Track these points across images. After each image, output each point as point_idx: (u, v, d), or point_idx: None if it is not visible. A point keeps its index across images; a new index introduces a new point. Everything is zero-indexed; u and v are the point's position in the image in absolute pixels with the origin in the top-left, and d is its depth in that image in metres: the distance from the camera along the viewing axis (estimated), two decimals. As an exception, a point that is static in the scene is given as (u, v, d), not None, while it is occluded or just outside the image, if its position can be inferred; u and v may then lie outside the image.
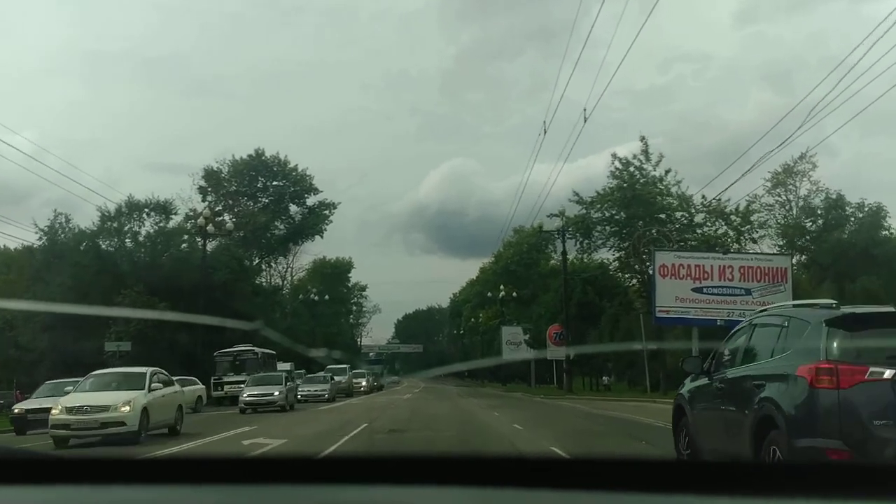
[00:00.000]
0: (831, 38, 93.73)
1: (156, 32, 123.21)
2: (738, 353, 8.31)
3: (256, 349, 36.68)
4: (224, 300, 43.64)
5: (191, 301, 41.11)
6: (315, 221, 60.04)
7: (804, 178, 47.28)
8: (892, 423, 6.09)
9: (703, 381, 8.97)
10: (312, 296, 72.34)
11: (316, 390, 38.02)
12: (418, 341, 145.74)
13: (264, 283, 63.77)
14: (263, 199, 59.63)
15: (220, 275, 44.13)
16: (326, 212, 60.89)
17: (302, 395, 36.17)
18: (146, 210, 42.47)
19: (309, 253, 69.69)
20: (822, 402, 6.30)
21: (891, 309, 7.40)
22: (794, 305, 8.77)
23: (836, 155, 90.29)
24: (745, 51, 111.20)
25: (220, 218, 58.11)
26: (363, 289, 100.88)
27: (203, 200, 57.54)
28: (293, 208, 60.21)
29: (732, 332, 9.05)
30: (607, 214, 38.57)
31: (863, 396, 6.19)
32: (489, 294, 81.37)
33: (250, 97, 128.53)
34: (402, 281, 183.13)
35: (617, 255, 39.67)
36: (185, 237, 44.10)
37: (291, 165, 59.40)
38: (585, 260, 43.56)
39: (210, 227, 43.13)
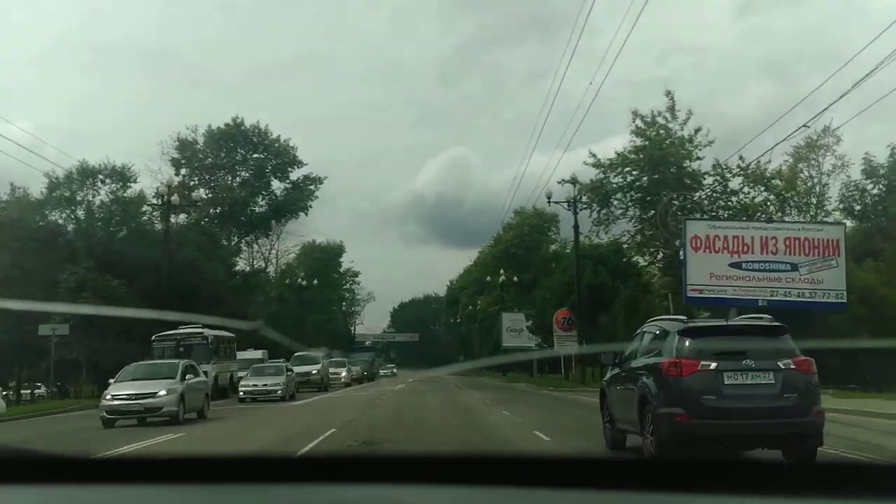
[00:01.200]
0: (830, 29, 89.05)
1: (149, 24, 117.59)
2: (634, 351, 11.33)
3: (208, 331, 29.92)
4: (192, 280, 38.31)
5: (151, 280, 35.81)
6: (299, 197, 54.49)
7: (828, 153, 42.35)
8: (714, 397, 9.22)
9: (616, 370, 12.00)
10: (300, 280, 66.75)
11: (265, 385, 28.09)
12: (414, 330, 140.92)
13: (245, 265, 58.41)
14: (242, 173, 54.08)
15: (187, 252, 38.73)
16: (312, 187, 55.34)
17: (244, 393, 27.86)
18: (101, 177, 36.95)
19: (295, 234, 64.38)
20: (672, 384, 9.46)
21: (722, 322, 12.53)
22: (662, 319, 11.91)
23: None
24: (744, 42, 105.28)
25: (193, 192, 52.83)
26: (356, 275, 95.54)
27: (176, 174, 52.08)
28: (275, 183, 54.70)
29: (634, 335, 12.09)
30: (628, 179, 33.10)
31: (696, 380, 9.34)
32: (488, 279, 76.04)
33: (245, 88, 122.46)
34: (398, 272, 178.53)
35: (639, 227, 34.11)
36: (146, 208, 38.59)
37: (273, 136, 53.88)
38: (599, 236, 37.93)
39: (175, 198, 37.77)
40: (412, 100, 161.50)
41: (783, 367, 9.25)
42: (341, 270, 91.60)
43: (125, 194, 37.45)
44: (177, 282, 36.28)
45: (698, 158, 33.04)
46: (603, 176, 33.34)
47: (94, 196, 36.91)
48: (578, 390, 34.90)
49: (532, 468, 1.67)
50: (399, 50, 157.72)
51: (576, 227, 37.47)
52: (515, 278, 71.52)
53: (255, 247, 60.04)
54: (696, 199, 32.27)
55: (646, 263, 36.73)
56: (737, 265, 30.43)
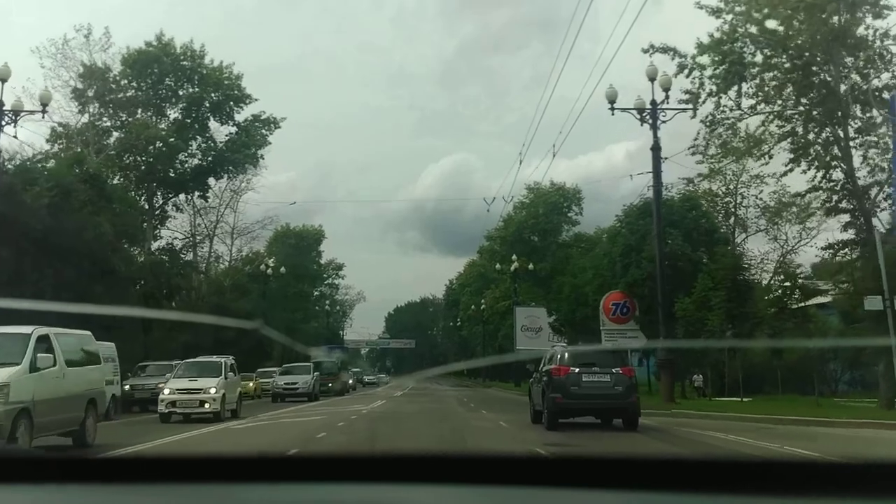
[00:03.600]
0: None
1: (152, 25, 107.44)
2: (544, 362, 17.66)
3: None
4: (50, 241, 23.72)
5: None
6: (245, 144, 39.54)
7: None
8: (577, 387, 15.28)
9: (535, 374, 18.51)
10: (265, 268, 51.80)
11: None
12: (411, 336, 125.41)
13: (180, 236, 43.42)
14: (172, 113, 39.38)
15: (35, 195, 24.06)
16: (265, 130, 40.43)
17: None
18: None
19: (250, 202, 49.60)
20: (556, 380, 15.53)
21: (586, 346, 21.18)
22: (556, 346, 21.28)
23: None
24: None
25: (110, 138, 38.41)
26: (339, 268, 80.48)
27: (81, 112, 37.29)
28: (215, 126, 39.74)
29: (547, 352, 18.37)
30: (769, 47, 18.08)
31: (568, 378, 15.44)
32: (497, 266, 61.07)
33: (246, 90, 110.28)
34: (396, 279, 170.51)
35: (785, 126, 18.96)
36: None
37: (213, 64, 39.04)
38: (706, 155, 22.53)
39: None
40: (414, 104, 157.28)
41: (615, 371, 15.87)
42: (322, 262, 76.82)
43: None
44: (19, 240, 21.86)
45: (886, 9, 18.23)
46: (729, 28, 18.27)
47: None
48: (672, 413, 20.09)
49: (532, 468, 1.65)
50: (402, 54, 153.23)
51: (655, 148, 22.64)
52: (531, 266, 56.72)
53: (200, 215, 44.89)
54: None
55: (804, 191, 21.35)
56: None
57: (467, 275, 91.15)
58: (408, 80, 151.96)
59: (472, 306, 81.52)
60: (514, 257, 56.90)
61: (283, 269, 56.49)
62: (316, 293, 75.30)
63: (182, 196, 39.84)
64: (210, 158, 39.14)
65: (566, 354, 16.47)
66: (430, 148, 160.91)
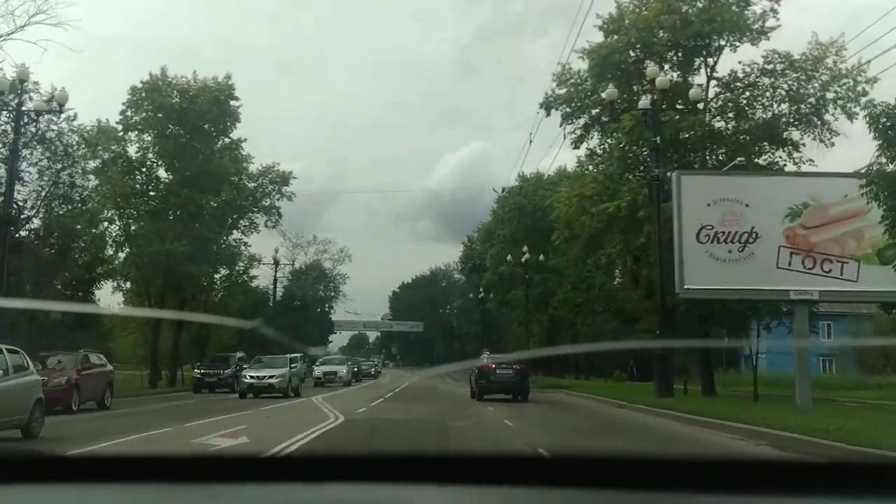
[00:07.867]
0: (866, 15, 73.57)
1: (165, 20, 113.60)
2: (478, 363, 26.89)
3: None
4: None
5: None
6: None
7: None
8: (493, 376, 23.44)
9: (473, 370, 25.81)
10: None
11: None
12: (419, 317, 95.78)
13: None
14: None
15: None
16: None
17: None
18: None
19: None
20: (483, 371, 23.69)
21: (498, 355, 30.03)
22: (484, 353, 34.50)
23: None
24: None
25: None
26: (284, 181, 42.28)
27: None
28: None
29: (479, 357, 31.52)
30: None
31: (489, 371, 23.44)
32: (605, 95, 25.20)
33: (258, 82, 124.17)
34: (409, 270, 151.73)
35: None
36: None
37: None
38: None
39: None
40: (430, 94, 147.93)
41: (515, 368, 23.09)
42: (248, 163, 39.86)
43: None
44: None
45: None
46: None
47: None
48: None
49: (531, 468, 1.61)
50: (417, 44, 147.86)
51: None
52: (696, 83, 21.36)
53: None
54: None
55: None
56: None
57: (497, 215, 55.96)
58: (424, 71, 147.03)
59: (509, 257, 46.88)
60: (648, 67, 21.56)
61: (69, 112, 21.74)
62: (235, 217, 39.10)
63: None
64: None
65: (489, 358, 25.97)
66: (446, 137, 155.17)
